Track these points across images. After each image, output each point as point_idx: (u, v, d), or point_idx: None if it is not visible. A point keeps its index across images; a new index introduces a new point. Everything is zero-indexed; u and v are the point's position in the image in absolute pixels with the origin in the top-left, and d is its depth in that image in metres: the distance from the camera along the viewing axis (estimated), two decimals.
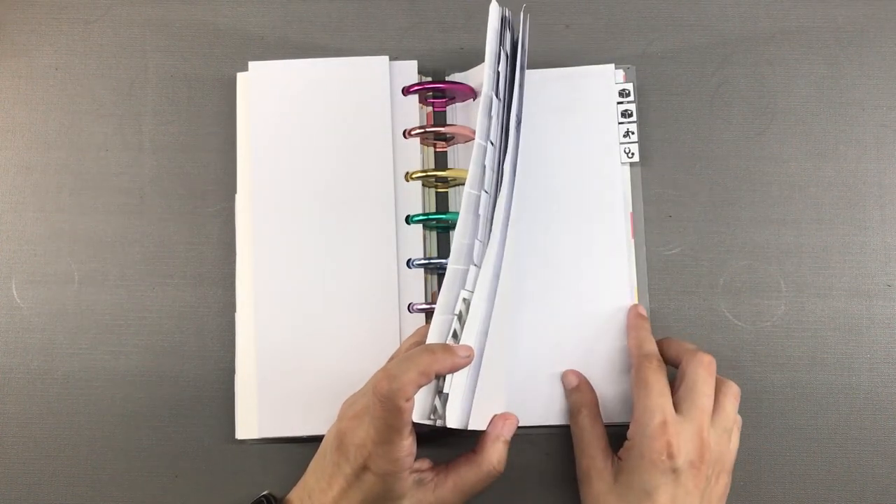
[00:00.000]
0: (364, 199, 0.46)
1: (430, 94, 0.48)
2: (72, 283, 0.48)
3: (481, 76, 0.42)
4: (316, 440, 0.42)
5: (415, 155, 0.47)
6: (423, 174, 0.47)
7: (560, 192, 0.47)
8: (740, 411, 0.42)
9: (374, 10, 0.51)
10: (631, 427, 0.41)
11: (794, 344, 0.47)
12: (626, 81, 0.48)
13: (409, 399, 0.36)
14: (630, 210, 0.47)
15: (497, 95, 0.42)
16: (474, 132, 0.41)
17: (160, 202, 0.49)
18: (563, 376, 0.45)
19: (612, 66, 0.48)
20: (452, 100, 0.48)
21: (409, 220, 0.47)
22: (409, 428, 0.37)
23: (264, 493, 0.43)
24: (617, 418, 0.45)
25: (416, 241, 0.47)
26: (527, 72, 0.46)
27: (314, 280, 0.46)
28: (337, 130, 0.47)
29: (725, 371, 0.46)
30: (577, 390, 0.44)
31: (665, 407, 0.40)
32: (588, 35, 0.50)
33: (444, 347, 0.39)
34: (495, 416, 0.42)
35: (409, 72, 0.48)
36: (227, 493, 0.46)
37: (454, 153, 0.48)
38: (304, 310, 0.46)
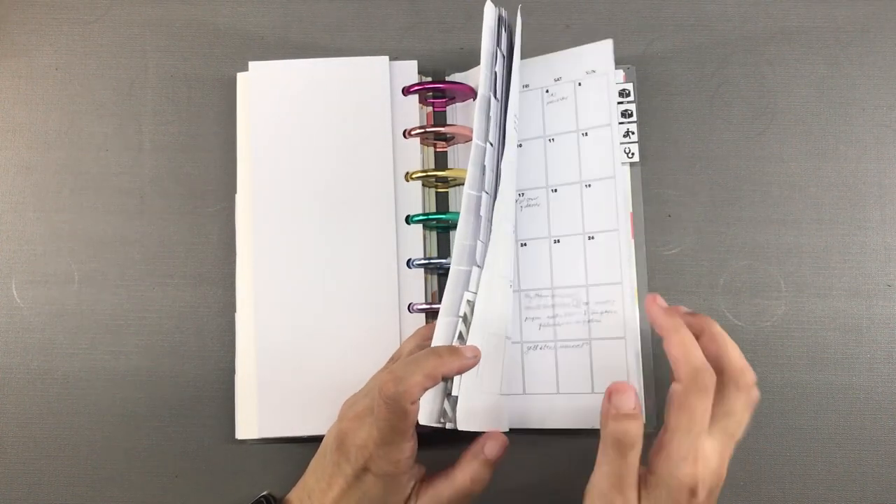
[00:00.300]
0: (364, 199, 0.46)
1: (430, 94, 0.48)
2: (72, 283, 0.48)
3: None
4: (316, 440, 0.42)
5: (415, 155, 0.47)
6: (423, 174, 0.47)
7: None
8: None
9: (374, 10, 0.51)
10: (660, 454, 0.36)
11: (793, 344, 0.47)
12: (626, 81, 0.48)
13: (415, 402, 0.36)
14: (630, 210, 0.47)
15: (495, 96, 0.42)
16: None
17: (160, 202, 0.49)
18: (617, 392, 0.37)
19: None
20: (452, 100, 0.48)
21: (409, 220, 0.47)
22: (412, 430, 0.37)
23: (264, 493, 0.43)
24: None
25: (416, 241, 0.47)
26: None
27: (314, 280, 0.46)
28: (337, 130, 0.47)
29: None
30: (635, 419, 0.36)
31: (703, 444, 0.36)
32: (588, 35, 0.50)
33: (451, 349, 0.39)
34: (485, 434, 0.40)
35: (409, 72, 0.48)
36: (227, 493, 0.46)
37: (454, 153, 0.48)
38: (304, 310, 0.46)
